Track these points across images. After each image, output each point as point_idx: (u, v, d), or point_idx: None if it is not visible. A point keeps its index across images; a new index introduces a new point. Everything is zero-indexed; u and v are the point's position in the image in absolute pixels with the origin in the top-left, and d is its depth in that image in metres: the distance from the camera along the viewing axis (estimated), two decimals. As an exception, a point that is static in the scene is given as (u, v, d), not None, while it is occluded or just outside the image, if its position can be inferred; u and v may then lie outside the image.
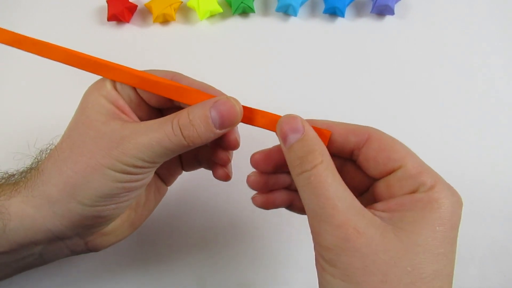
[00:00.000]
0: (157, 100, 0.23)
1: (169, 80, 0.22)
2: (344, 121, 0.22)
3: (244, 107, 0.22)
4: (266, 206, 0.24)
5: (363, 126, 0.21)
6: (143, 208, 0.26)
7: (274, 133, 0.22)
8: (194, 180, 0.34)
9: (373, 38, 0.39)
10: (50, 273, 0.31)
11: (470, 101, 0.37)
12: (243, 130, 0.25)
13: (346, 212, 0.18)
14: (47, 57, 0.22)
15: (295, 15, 0.39)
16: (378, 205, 0.20)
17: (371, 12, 0.39)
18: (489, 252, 0.32)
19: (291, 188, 0.25)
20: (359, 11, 0.40)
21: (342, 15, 0.39)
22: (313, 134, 0.20)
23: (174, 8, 0.39)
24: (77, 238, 0.23)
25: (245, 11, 0.40)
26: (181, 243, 0.32)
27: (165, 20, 0.39)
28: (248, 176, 0.24)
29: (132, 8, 0.39)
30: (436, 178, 0.19)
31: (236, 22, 0.40)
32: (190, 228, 0.33)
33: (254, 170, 0.24)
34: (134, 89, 0.23)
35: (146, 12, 0.40)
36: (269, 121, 0.22)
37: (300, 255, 0.32)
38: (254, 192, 0.24)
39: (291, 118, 0.21)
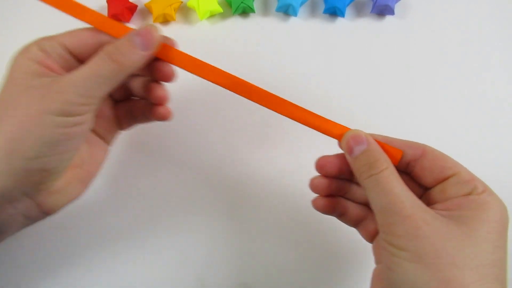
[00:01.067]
0: (90, 55, 0.24)
1: (101, 14, 0.25)
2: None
3: (166, 46, 0.25)
4: (326, 210, 0.26)
5: (417, 142, 0.25)
6: (89, 165, 0.27)
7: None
8: (195, 180, 0.34)
9: (373, 38, 0.39)
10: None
11: (470, 100, 0.37)
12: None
13: (414, 207, 0.21)
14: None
15: (295, 15, 0.39)
16: (437, 206, 0.22)
17: (371, 12, 0.39)
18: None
19: (347, 197, 0.27)
20: (359, 11, 0.40)
21: (342, 15, 0.39)
22: (376, 145, 0.24)
23: (174, 8, 0.39)
24: (26, 199, 0.23)
25: (245, 11, 0.40)
26: (181, 243, 0.32)
27: (165, 20, 0.39)
28: (312, 179, 0.26)
29: (132, 8, 0.39)
30: (485, 185, 0.22)
31: (236, 22, 0.40)
32: (190, 227, 0.33)
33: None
34: (66, 48, 0.24)
35: (146, 12, 0.40)
36: (189, 63, 0.25)
37: (300, 255, 0.32)
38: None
39: (355, 132, 0.24)
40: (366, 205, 0.27)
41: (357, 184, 0.27)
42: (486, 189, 0.22)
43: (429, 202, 0.23)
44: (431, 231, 0.20)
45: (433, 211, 0.21)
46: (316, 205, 0.27)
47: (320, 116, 0.25)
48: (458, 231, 0.20)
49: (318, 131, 0.25)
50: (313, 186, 0.26)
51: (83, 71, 0.22)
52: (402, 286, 0.20)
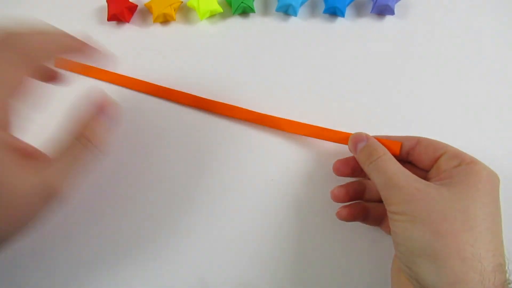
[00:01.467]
0: None
1: None
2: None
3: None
4: (350, 217, 0.29)
5: (412, 135, 0.29)
6: None
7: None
8: (197, 182, 0.34)
9: (373, 38, 0.39)
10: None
11: (471, 101, 0.37)
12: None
13: (407, 179, 0.25)
14: None
15: (295, 15, 0.39)
16: (432, 180, 0.26)
17: (371, 12, 0.39)
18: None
19: (366, 198, 0.31)
20: (359, 11, 0.40)
21: (342, 15, 0.39)
22: (374, 140, 0.29)
23: (174, 8, 0.39)
24: None
25: (245, 11, 0.40)
26: (181, 243, 0.32)
27: (165, 20, 0.40)
28: (332, 190, 0.30)
29: (132, 8, 0.39)
30: (473, 157, 0.26)
31: (236, 22, 0.40)
32: (190, 227, 0.33)
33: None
34: None
35: (146, 12, 0.40)
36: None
37: (301, 254, 0.32)
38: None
39: (357, 133, 0.30)
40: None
41: (370, 180, 0.29)
42: (474, 160, 0.25)
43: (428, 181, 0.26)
44: (423, 195, 0.24)
45: (426, 182, 0.25)
46: (340, 215, 0.30)
47: (329, 129, 0.31)
48: (448, 193, 0.23)
49: (329, 141, 0.31)
50: (334, 195, 0.30)
51: None
52: (405, 242, 0.24)
